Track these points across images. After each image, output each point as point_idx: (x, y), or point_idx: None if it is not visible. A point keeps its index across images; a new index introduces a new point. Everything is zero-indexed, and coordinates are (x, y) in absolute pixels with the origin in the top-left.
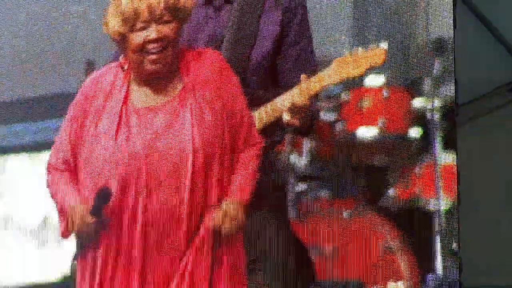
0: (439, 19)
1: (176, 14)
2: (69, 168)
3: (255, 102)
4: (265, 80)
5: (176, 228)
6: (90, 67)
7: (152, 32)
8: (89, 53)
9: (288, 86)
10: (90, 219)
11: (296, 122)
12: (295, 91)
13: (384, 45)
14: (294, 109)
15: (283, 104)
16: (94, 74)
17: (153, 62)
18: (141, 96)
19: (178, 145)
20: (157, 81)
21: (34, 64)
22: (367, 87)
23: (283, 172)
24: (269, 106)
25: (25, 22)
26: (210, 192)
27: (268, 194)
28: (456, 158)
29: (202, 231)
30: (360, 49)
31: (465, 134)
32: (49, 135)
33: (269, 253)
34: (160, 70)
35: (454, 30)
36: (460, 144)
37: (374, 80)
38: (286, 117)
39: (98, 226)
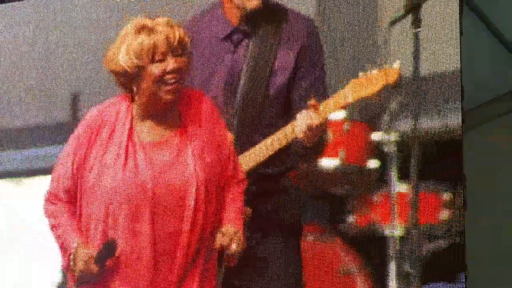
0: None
1: (185, 48)
2: (69, 199)
3: (271, 131)
4: (281, 110)
5: (179, 251)
6: (75, 100)
7: (170, 64)
8: (74, 86)
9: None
10: (94, 266)
11: (310, 143)
12: (310, 113)
13: (396, 65)
14: (311, 130)
15: (300, 125)
16: (97, 107)
17: (169, 92)
18: (145, 130)
19: (182, 179)
20: (159, 115)
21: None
22: (329, 121)
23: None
24: (288, 128)
25: (8, 52)
26: (207, 223)
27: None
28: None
29: (206, 253)
30: (374, 70)
31: (470, 140)
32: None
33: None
34: (173, 101)
35: (460, 36)
36: (465, 150)
37: (336, 115)
38: (301, 136)
39: (100, 272)
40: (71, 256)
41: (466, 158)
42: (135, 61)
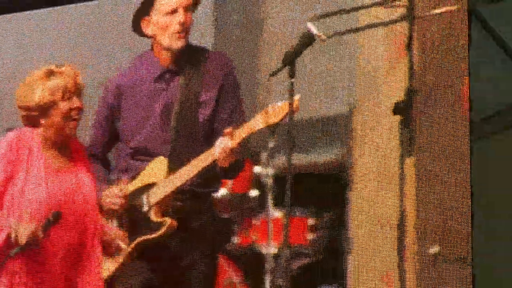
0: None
1: (82, 91)
2: None
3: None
4: (207, 137)
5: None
6: None
7: (75, 102)
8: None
9: None
10: (40, 234)
11: (226, 164)
12: (225, 138)
13: (297, 97)
14: (226, 152)
15: (218, 148)
16: (14, 133)
17: (73, 127)
18: (51, 157)
19: (83, 199)
20: (62, 146)
21: None
22: None
23: None
24: (209, 151)
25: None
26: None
27: None
28: (470, 175)
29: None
30: (279, 103)
31: (479, 152)
32: None
33: None
34: (73, 135)
35: (468, 49)
36: (474, 162)
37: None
38: (218, 157)
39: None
40: (13, 233)
41: (473, 170)
42: (50, 98)
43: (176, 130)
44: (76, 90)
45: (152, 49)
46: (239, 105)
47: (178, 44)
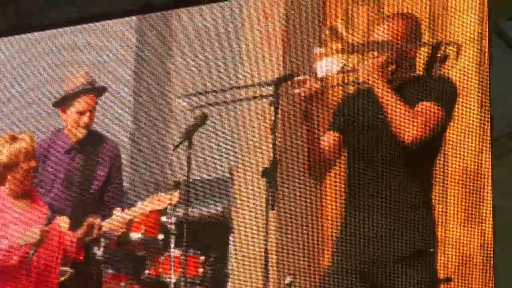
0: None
1: (35, 152)
2: None
3: None
4: (100, 204)
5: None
6: None
7: (33, 163)
8: None
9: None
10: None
11: (119, 232)
12: (118, 213)
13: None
14: (119, 224)
15: (112, 220)
16: None
17: (30, 181)
18: (19, 203)
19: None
20: (24, 195)
21: None
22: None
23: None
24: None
25: None
26: None
27: None
28: (491, 191)
29: None
30: (163, 193)
31: (500, 168)
32: None
33: None
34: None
35: (489, 65)
36: (495, 178)
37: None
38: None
39: None
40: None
41: (493, 188)
42: (15, 159)
43: (75, 196)
44: (33, 153)
45: (64, 128)
46: (121, 184)
47: (82, 133)
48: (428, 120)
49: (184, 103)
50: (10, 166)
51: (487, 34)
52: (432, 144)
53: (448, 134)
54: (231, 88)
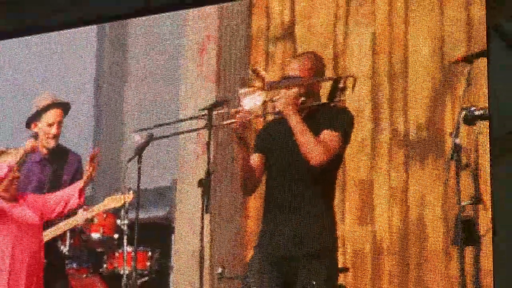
0: None
1: (21, 165)
2: None
3: None
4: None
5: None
6: None
7: (17, 174)
8: None
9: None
10: None
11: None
12: (84, 212)
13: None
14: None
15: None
16: None
17: (15, 188)
18: (6, 203)
19: (27, 220)
20: (12, 199)
21: None
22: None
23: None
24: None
25: None
26: None
27: None
28: (491, 190)
29: None
30: (119, 193)
31: (499, 167)
32: None
33: None
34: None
35: (488, 65)
36: (494, 177)
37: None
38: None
39: None
40: None
41: (494, 186)
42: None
43: None
44: (18, 166)
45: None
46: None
47: (51, 144)
48: (330, 146)
49: (137, 135)
50: (2, 179)
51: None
52: (334, 163)
53: (346, 152)
54: (175, 122)
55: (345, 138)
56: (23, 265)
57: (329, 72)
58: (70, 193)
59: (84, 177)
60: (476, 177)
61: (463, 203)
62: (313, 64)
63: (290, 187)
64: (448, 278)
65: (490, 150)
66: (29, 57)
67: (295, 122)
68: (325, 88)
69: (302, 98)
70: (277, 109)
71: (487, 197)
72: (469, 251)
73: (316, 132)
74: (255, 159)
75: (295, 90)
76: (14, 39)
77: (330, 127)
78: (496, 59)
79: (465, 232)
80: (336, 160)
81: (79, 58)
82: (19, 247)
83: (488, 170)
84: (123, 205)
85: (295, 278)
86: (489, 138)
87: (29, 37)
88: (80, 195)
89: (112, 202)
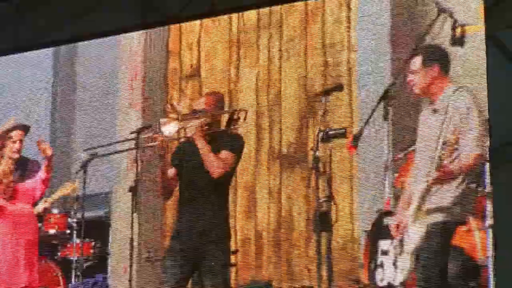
0: None
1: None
2: None
3: None
4: None
5: None
6: None
7: (10, 178)
8: None
9: None
10: None
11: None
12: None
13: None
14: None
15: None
16: None
17: (9, 189)
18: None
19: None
20: (8, 195)
21: None
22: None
23: None
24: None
25: None
26: None
27: None
28: (492, 200)
29: None
30: (68, 182)
31: (499, 177)
32: None
33: None
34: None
35: (487, 75)
36: (494, 187)
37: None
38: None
39: None
40: None
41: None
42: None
43: None
44: (9, 172)
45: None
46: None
47: (16, 156)
48: (226, 163)
49: (83, 153)
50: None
51: (260, 102)
52: (228, 175)
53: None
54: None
55: (238, 157)
56: (21, 253)
57: (226, 105)
58: (37, 179)
59: (43, 167)
60: (329, 181)
61: (320, 200)
62: (216, 101)
63: (196, 192)
64: (309, 257)
65: (490, 159)
66: None
67: (200, 144)
68: (224, 118)
69: (206, 126)
70: (188, 135)
71: (337, 195)
72: (324, 236)
73: (216, 151)
74: (171, 172)
75: (201, 120)
76: None
77: (227, 148)
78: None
79: (321, 222)
80: (230, 172)
81: (37, 82)
82: (16, 238)
83: (340, 175)
84: (71, 193)
85: (201, 260)
86: (489, 148)
87: None
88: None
89: (63, 189)
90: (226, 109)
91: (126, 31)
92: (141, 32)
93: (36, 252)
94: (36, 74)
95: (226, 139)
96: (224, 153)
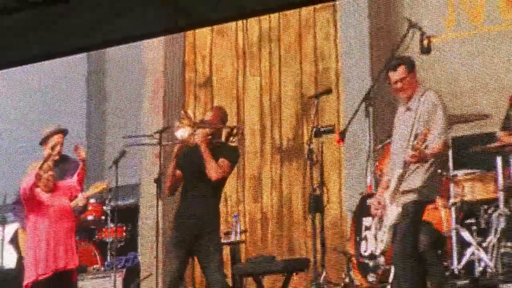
0: None
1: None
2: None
3: None
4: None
5: None
6: None
7: (51, 173)
8: None
9: None
10: None
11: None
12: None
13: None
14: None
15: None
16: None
17: (47, 184)
18: (46, 194)
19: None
20: (49, 188)
21: None
22: None
23: None
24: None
25: None
26: None
27: None
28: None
29: None
30: (99, 182)
31: None
32: None
33: None
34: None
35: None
36: None
37: None
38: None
39: None
40: None
41: None
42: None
43: None
44: (49, 168)
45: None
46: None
47: (56, 157)
48: (224, 169)
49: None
50: (40, 176)
51: (264, 104)
52: (224, 180)
53: (246, 156)
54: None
55: (233, 166)
56: (60, 239)
57: (232, 115)
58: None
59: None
60: (322, 169)
61: (314, 186)
62: (220, 115)
63: (196, 191)
64: (306, 233)
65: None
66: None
67: (204, 151)
68: (224, 132)
69: (210, 136)
70: (195, 141)
71: (328, 182)
72: (317, 216)
73: (216, 159)
74: (177, 172)
75: (207, 130)
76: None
77: (225, 157)
78: None
79: (315, 204)
80: (225, 177)
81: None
82: (55, 227)
83: (330, 164)
84: (102, 191)
85: (200, 247)
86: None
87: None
88: (79, 183)
89: (95, 187)
90: (227, 123)
91: (154, 36)
92: (163, 42)
93: (73, 238)
94: (70, 79)
95: (225, 149)
96: (222, 161)
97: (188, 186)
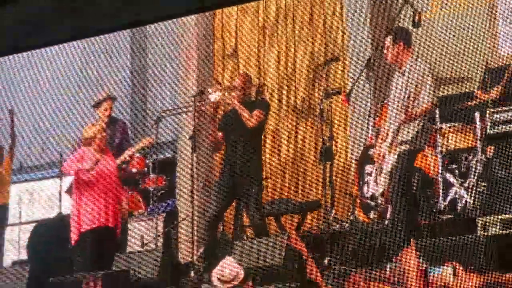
0: None
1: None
2: None
3: None
4: (120, 149)
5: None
6: None
7: (104, 135)
8: None
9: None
10: None
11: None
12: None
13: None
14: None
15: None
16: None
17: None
18: (98, 154)
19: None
20: (101, 150)
21: None
22: None
23: None
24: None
25: None
26: None
27: None
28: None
29: None
30: (145, 137)
31: None
32: None
33: None
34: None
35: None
36: None
37: None
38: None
39: None
40: None
41: None
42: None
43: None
44: (103, 129)
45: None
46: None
47: (106, 119)
48: (258, 117)
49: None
50: (93, 137)
51: (281, 71)
52: (260, 126)
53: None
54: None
55: (266, 113)
56: (108, 207)
57: (254, 81)
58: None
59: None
60: (331, 125)
61: (324, 139)
62: (246, 79)
63: (238, 143)
64: (318, 178)
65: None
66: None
67: (238, 107)
68: (253, 91)
69: (242, 95)
70: (228, 101)
71: (336, 135)
72: (327, 164)
73: (250, 111)
74: (219, 134)
75: (238, 92)
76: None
77: (258, 108)
78: None
79: (325, 154)
80: (261, 123)
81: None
82: (99, 189)
83: (338, 121)
84: (148, 145)
85: (244, 188)
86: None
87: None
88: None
89: (142, 142)
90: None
91: (188, 14)
92: (195, 19)
93: (115, 200)
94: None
95: (256, 103)
96: (256, 111)
97: (231, 141)
